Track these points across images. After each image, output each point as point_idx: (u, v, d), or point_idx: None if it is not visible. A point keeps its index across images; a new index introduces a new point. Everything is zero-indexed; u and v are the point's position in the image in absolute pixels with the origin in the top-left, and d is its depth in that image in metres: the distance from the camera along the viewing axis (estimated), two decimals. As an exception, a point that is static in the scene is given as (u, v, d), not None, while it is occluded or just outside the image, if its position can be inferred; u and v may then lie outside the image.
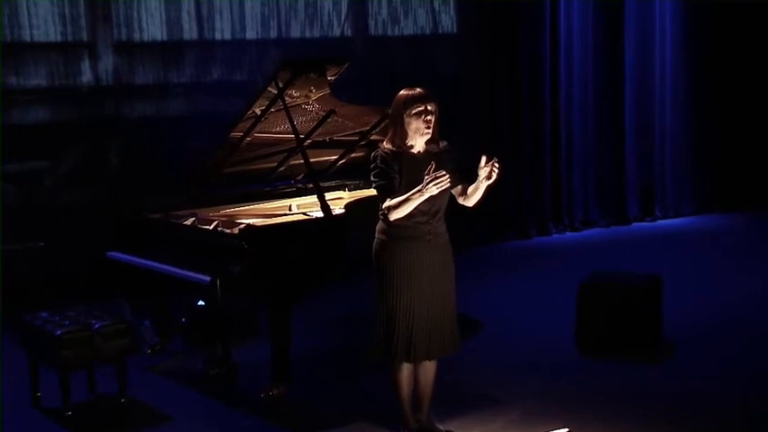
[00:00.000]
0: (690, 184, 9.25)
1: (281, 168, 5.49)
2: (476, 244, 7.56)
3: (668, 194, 9.14)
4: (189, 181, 5.21)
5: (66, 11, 6.37)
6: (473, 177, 3.68)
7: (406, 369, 3.81)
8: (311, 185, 5.17)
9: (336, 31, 7.44)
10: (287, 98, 4.81)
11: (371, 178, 3.74)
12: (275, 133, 5.16)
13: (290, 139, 5.14)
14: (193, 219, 4.94)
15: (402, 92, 3.71)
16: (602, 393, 4.50)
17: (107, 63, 6.57)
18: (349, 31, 7.53)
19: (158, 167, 6.54)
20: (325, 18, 7.39)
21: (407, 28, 7.80)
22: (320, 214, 4.66)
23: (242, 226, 4.53)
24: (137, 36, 6.65)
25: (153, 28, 6.69)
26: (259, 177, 5.49)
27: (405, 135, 3.68)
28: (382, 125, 5.45)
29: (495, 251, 7.85)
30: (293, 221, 4.73)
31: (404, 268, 3.68)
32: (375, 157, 3.71)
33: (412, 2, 7.79)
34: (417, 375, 3.87)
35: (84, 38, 6.49)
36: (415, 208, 3.61)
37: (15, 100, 6.32)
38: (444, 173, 3.51)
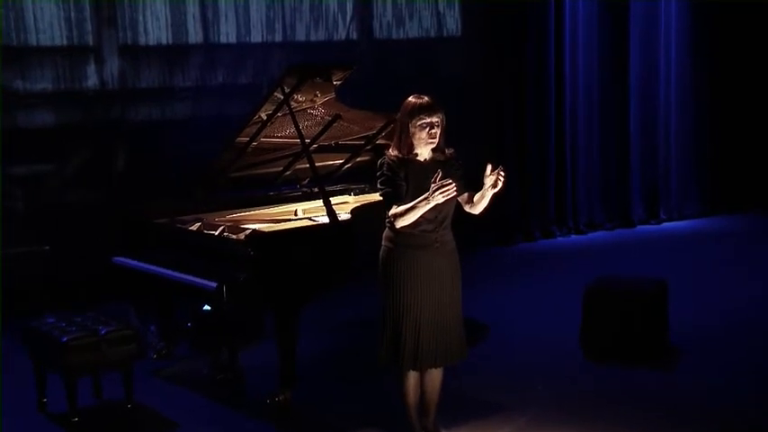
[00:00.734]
0: (695, 186, 9.24)
1: (287, 173, 5.49)
2: (480, 247, 7.57)
3: (673, 196, 9.13)
4: (195, 185, 5.21)
5: (72, 15, 6.38)
6: (478, 182, 3.67)
7: (412, 376, 3.82)
8: (317, 190, 5.18)
9: (341, 34, 7.45)
10: (292, 103, 4.81)
11: (378, 185, 3.73)
12: (281, 138, 5.16)
13: (295, 144, 5.14)
14: (199, 224, 4.95)
15: (410, 99, 3.70)
16: (608, 399, 4.50)
17: (112, 67, 6.58)
18: (354, 33, 7.53)
19: (164, 171, 6.55)
20: (330, 21, 7.39)
21: (412, 30, 7.80)
22: (326, 219, 4.67)
23: (248, 232, 4.54)
24: (142, 40, 6.66)
25: (158, 31, 6.69)
26: (264, 182, 5.49)
27: (410, 143, 3.69)
28: (387, 130, 5.46)
29: (500, 254, 7.85)
30: (299, 227, 4.72)
31: (410, 276, 3.67)
32: (381, 165, 3.71)
33: (417, 4, 7.79)
34: (424, 382, 3.87)
35: (90, 42, 6.50)
36: (422, 216, 3.61)
37: (21, 103, 6.33)
38: (451, 181, 3.51)
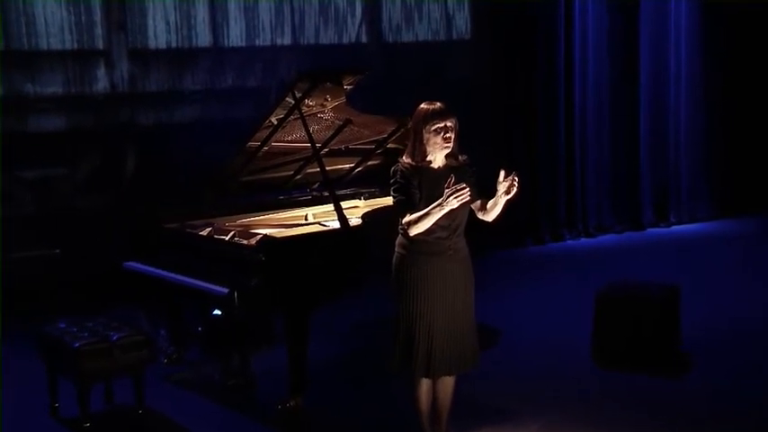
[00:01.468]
0: (705, 189, 9.20)
1: (297, 177, 5.49)
2: (490, 250, 7.54)
3: (683, 199, 9.09)
4: (205, 189, 5.21)
5: (83, 19, 6.40)
6: (488, 185, 3.65)
7: (425, 384, 3.81)
8: (327, 194, 5.17)
9: (350, 37, 7.44)
10: (303, 108, 4.80)
11: (391, 193, 3.72)
12: (291, 142, 5.15)
13: (305, 148, 5.14)
14: (209, 229, 4.94)
15: (423, 105, 3.69)
16: (620, 405, 4.48)
17: (122, 70, 6.59)
18: (363, 36, 7.52)
19: (173, 174, 6.56)
20: (339, 23, 7.39)
21: (421, 32, 7.79)
22: (337, 224, 4.66)
23: (259, 237, 4.53)
24: (152, 43, 6.67)
25: (167, 35, 6.70)
26: (274, 186, 5.48)
27: (424, 150, 3.67)
28: (398, 134, 5.45)
29: (509, 257, 7.82)
30: (311, 233, 4.71)
31: (424, 283, 3.66)
32: (395, 172, 3.70)
33: (426, 6, 7.77)
34: (436, 390, 3.86)
35: (100, 46, 6.51)
36: (435, 223, 3.59)
37: (32, 107, 6.34)
38: (465, 186, 3.49)
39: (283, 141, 5.12)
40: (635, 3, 8.55)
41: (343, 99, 5.01)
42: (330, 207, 5.07)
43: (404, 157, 3.73)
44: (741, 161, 9.21)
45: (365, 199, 5.68)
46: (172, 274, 4.70)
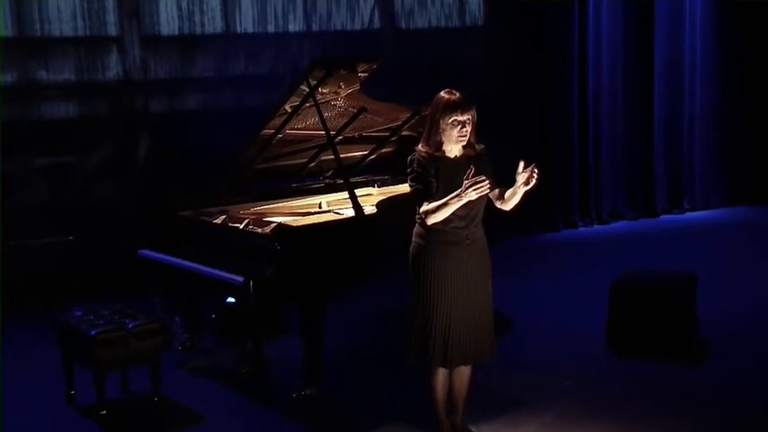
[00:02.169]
0: (719, 176, 9.14)
1: (311, 165, 5.47)
2: (502, 238, 7.51)
3: (697, 186, 9.03)
4: (220, 177, 5.20)
5: (95, 5, 6.37)
6: (502, 176, 3.62)
7: (441, 374, 3.80)
8: (341, 182, 5.16)
9: (363, 22, 7.39)
10: (317, 95, 4.78)
11: (408, 182, 3.70)
12: (305, 129, 5.14)
13: (319, 136, 5.12)
14: (224, 216, 4.93)
15: (441, 95, 3.65)
16: (635, 395, 4.46)
17: (135, 57, 6.56)
18: (376, 21, 7.47)
19: (187, 161, 6.55)
20: (351, 8, 7.34)
21: (434, 18, 7.73)
22: (351, 212, 4.64)
23: (273, 225, 4.52)
24: (165, 30, 6.64)
25: (180, 21, 6.67)
26: (288, 174, 5.47)
27: (440, 140, 3.65)
28: (412, 121, 5.42)
29: (523, 245, 7.79)
30: (326, 222, 4.69)
31: (441, 273, 3.65)
32: (411, 161, 3.68)
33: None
34: (452, 379, 3.85)
35: (112, 32, 6.48)
36: (453, 213, 3.57)
37: (44, 95, 6.33)
38: (484, 178, 3.47)
39: (297, 129, 5.10)
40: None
41: (357, 86, 4.98)
42: (344, 195, 5.06)
43: (420, 146, 3.70)
44: (755, 148, 9.13)
45: (379, 186, 5.66)
46: (187, 263, 4.70)
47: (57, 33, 6.29)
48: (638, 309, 4.93)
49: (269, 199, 5.30)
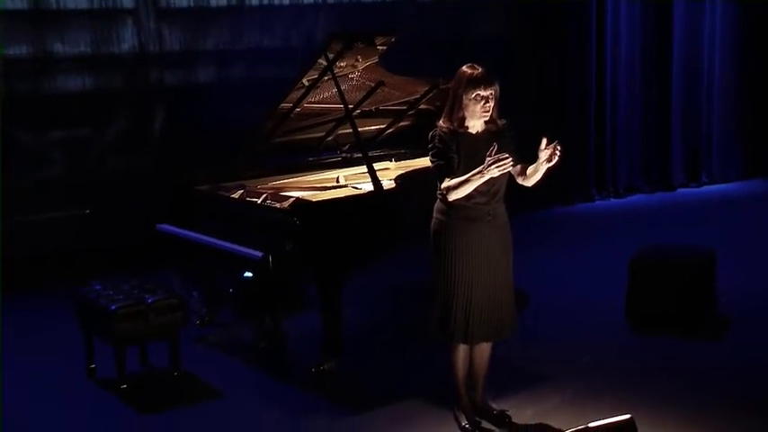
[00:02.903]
0: (737, 149, 9.05)
1: (328, 138, 5.44)
2: (518, 212, 7.46)
3: (715, 159, 8.95)
4: (237, 151, 5.18)
5: (110, -23, 6.33)
6: (521, 151, 3.58)
7: (462, 350, 3.79)
8: (358, 156, 5.13)
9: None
10: (335, 69, 4.74)
11: (429, 158, 3.67)
12: (323, 103, 5.10)
13: (337, 109, 5.09)
14: (241, 191, 4.91)
15: (464, 69, 3.60)
16: (654, 371, 4.45)
17: (150, 30, 6.51)
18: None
19: (203, 133, 6.53)
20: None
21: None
22: (369, 186, 4.62)
23: (292, 200, 4.50)
24: (180, 2, 6.59)
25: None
26: (305, 148, 5.44)
27: (462, 115, 3.61)
28: (430, 95, 5.37)
29: (538, 218, 7.76)
30: (345, 197, 4.66)
31: (462, 249, 3.62)
32: (433, 137, 3.64)
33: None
34: (473, 355, 3.85)
35: (128, 5, 6.43)
36: (475, 189, 3.54)
37: (60, 67, 6.30)
38: (507, 155, 3.43)
39: (315, 102, 5.06)
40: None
41: (375, 59, 4.93)
42: (361, 169, 5.03)
43: (441, 121, 3.66)
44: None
45: (396, 161, 5.63)
46: (206, 237, 4.70)
47: (72, 6, 6.24)
48: (658, 284, 4.90)
49: (285, 173, 5.28)
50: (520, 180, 3.69)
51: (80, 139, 6.49)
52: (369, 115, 5.37)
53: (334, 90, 4.81)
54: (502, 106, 3.69)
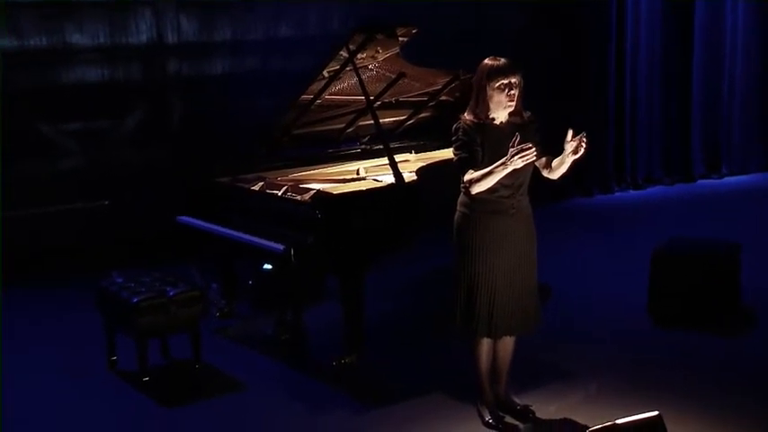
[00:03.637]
0: (758, 140, 8.95)
1: (349, 130, 5.42)
2: (537, 203, 7.41)
3: (735, 150, 8.86)
4: (258, 143, 5.16)
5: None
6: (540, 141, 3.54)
7: (485, 344, 3.76)
8: (378, 148, 5.10)
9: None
10: (355, 60, 4.71)
11: (453, 151, 3.63)
12: (343, 94, 5.08)
13: (357, 101, 5.06)
14: (261, 183, 4.90)
15: (486, 61, 3.57)
16: (678, 365, 4.41)
17: (169, 20, 6.49)
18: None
19: (222, 125, 6.52)
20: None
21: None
22: (390, 179, 4.59)
23: (313, 193, 4.48)
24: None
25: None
26: (325, 139, 5.42)
27: (487, 107, 3.56)
28: (451, 86, 5.34)
29: (557, 210, 7.71)
30: (367, 189, 4.63)
31: (486, 243, 3.59)
32: (457, 129, 3.60)
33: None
34: (497, 349, 3.82)
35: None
36: (498, 181, 3.50)
37: (78, 58, 6.29)
38: (531, 145, 3.39)
39: (336, 94, 5.04)
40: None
41: (396, 51, 4.90)
42: (381, 161, 5.00)
43: (465, 114, 3.62)
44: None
45: (416, 152, 5.59)
46: (226, 230, 4.69)
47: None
48: (681, 278, 4.85)
49: (305, 165, 5.26)
50: (545, 173, 3.65)
51: (98, 131, 6.48)
52: (389, 107, 5.35)
53: (355, 81, 4.79)
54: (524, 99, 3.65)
